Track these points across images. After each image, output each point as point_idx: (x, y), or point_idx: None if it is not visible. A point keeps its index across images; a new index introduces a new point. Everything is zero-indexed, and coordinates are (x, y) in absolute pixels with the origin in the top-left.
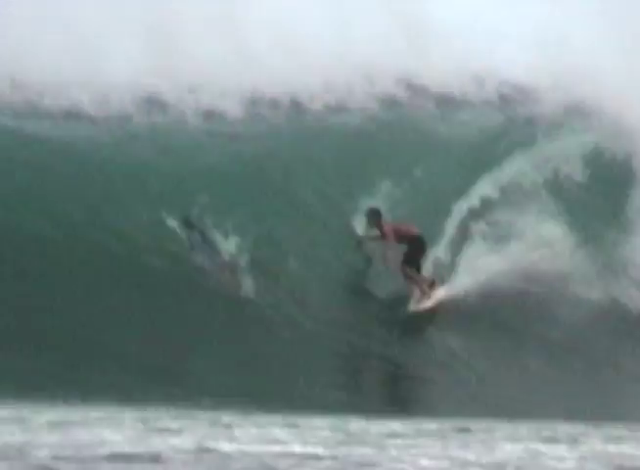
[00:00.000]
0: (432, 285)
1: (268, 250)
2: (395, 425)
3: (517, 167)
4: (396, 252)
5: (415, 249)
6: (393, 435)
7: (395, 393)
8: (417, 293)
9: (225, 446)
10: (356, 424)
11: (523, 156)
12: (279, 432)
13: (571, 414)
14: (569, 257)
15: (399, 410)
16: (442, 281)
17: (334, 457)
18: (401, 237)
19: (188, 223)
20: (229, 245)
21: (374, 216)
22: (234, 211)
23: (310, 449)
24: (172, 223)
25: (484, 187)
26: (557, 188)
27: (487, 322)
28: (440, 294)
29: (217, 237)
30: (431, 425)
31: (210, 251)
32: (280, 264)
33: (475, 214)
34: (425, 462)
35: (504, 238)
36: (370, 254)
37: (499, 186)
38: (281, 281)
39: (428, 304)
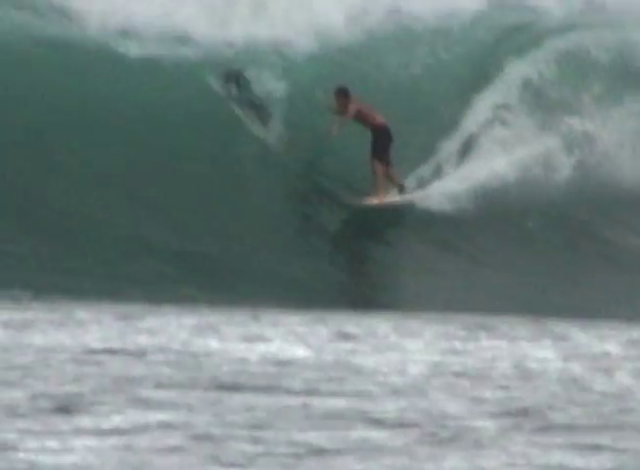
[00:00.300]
0: (401, 188)
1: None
2: (373, 322)
3: (578, 41)
4: (344, 128)
5: (380, 139)
6: (372, 335)
7: (375, 287)
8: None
9: (211, 345)
10: (335, 320)
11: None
12: (262, 331)
13: (558, 311)
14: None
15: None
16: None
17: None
18: (363, 119)
19: (229, 76)
20: (268, 87)
21: (341, 96)
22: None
23: (295, 350)
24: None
25: (537, 57)
26: (621, 74)
27: (484, 221)
28: (395, 198)
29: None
30: (412, 322)
31: (249, 102)
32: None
33: (527, 85)
34: (410, 368)
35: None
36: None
37: (553, 59)
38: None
39: (373, 201)
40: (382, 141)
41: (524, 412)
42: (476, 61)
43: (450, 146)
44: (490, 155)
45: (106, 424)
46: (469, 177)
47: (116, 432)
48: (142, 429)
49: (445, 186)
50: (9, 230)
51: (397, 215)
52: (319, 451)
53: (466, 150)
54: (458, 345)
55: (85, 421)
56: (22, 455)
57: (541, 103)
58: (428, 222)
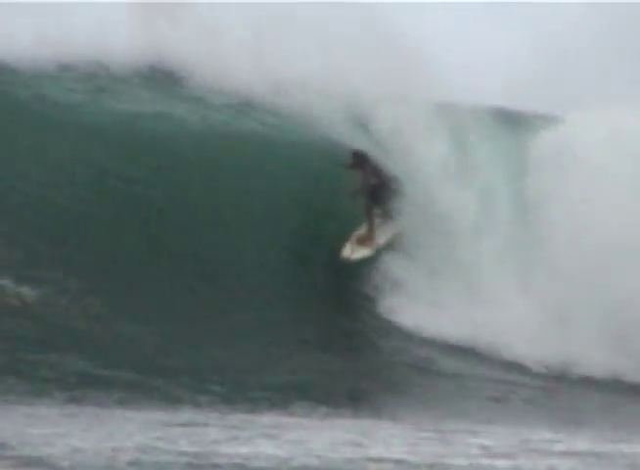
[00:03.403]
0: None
1: None
2: None
3: None
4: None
5: (384, 187)
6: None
7: None
8: (355, 238)
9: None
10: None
11: None
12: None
13: None
14: None
15: None
16: None
17: None
18: (378, 173)
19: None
20: None
21: (358, 160)
22: None
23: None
24: None
25: None
26: None
27: None
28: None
29: None
30: None
31: None
32: None
33: None
34: None
35: None
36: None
37: None
38: None
39: (359, 254)
40: (384, 190)
41: None
42: None
43: None
44: None
45: None
46: None
47: None
48: None
49: None
50: None
51: None
52: None
53: None
54: None
55: None
56: None
57: None
58: None
